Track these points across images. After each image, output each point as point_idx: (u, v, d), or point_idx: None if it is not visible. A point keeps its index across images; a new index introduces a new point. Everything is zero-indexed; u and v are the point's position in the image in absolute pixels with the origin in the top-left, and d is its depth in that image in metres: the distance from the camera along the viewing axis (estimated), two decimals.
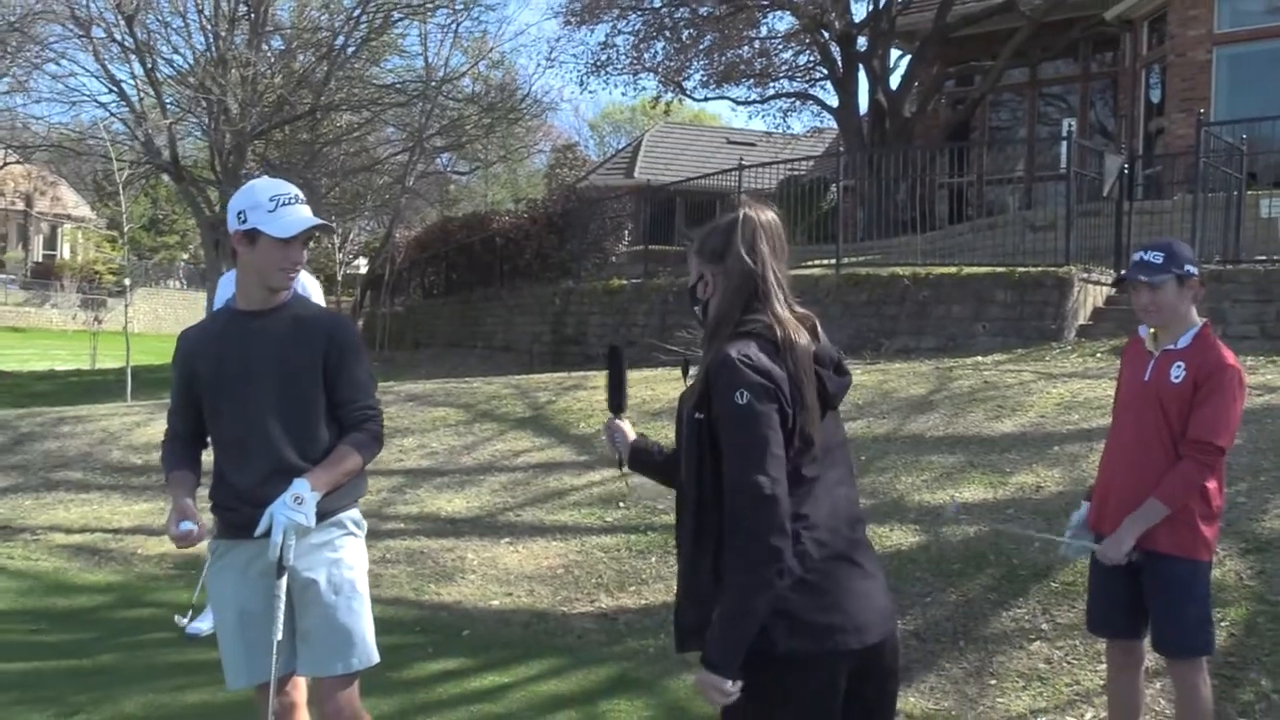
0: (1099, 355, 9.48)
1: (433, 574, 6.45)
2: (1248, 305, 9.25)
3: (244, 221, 3.18)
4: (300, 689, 3.44)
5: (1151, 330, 3.65)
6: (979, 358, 9.99)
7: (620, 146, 41.13)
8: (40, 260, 47.18)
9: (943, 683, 4.79)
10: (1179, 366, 3.52)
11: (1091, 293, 10.88)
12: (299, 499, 3.10)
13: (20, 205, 42.56)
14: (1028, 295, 10.64)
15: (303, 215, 3.23)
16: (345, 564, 3.30)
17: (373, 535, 7.05)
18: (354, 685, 3.34)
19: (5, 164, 30.26)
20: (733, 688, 2.25)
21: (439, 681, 5.03)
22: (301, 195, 3.33)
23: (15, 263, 46.31)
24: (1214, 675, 4.50)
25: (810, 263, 14.00)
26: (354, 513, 3.43)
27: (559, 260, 18.90)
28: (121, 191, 14.51)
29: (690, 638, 2.38)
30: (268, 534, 3.12)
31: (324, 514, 3.21)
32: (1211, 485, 3.53)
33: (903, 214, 15.38)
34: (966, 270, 11.49)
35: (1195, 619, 3.54)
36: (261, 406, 3.21)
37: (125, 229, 14.85)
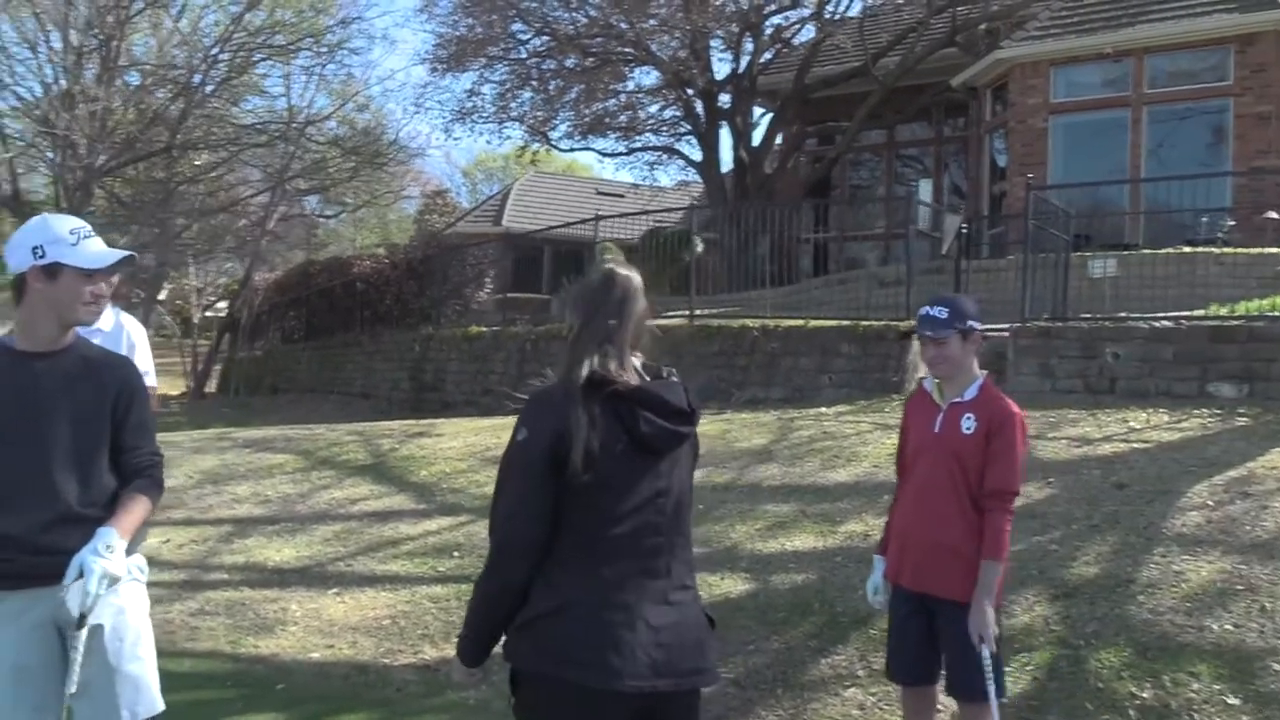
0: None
1: (252, 626, 6.23)
2: (1073, 361, 9.66)
3: (41, 256, 3.07)
4: None
5: (936, 382, 3.78)
6: (822, 409, 10.19)
7: (491, 194, 41.09)
8: None
9: None
10: (969, 418, 3.65)
11: None
12: (109, 547, 2.99)
13: None
14: (870, 348, 10.93)
15: (105, 248, 3.18)
16: (130, 610, 3.20)
17: (192, 586, 6.84)
18: None
19: None
20: (468, 675, 2.61)
21: None
22: (92, 230, 3.26)
23: None
24: (1014, 719, 4.64)
25: (668, 313, 14.15)
26: (138, 558, 3.33)
27: (420, 307, 18.74)
28: None
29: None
30: (56, 581, 2.98)
31: None
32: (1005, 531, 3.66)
33: (762, 267, 15.72)
34: (814, 323, 11.75)
35: (986, 664, 3.64)
36: (48, 451, 3.09)
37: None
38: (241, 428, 13.00)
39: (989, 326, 11.15)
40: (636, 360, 2.59)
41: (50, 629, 3.11)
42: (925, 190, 20.04)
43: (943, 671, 3.79)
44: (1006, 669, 4.95)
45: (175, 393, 26.98)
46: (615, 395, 2.45)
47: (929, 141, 21.46)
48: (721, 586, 6.22)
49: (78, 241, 3.11)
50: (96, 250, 3.13)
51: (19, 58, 18.43)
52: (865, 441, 8.48)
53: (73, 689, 3.02)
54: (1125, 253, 12.20)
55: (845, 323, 11.55)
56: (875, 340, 10.99)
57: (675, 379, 2.61)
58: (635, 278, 2.64)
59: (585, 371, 2.46)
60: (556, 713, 2.43)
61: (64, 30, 17.70)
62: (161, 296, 31.08)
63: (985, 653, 3.59)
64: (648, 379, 2.57)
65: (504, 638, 2.53)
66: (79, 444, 3.13)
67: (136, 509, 3.15)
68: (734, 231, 17.10)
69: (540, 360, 13.35)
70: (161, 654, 5.76)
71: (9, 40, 18.44)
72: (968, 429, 3.64)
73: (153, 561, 7.23)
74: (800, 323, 11.93)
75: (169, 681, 5.41)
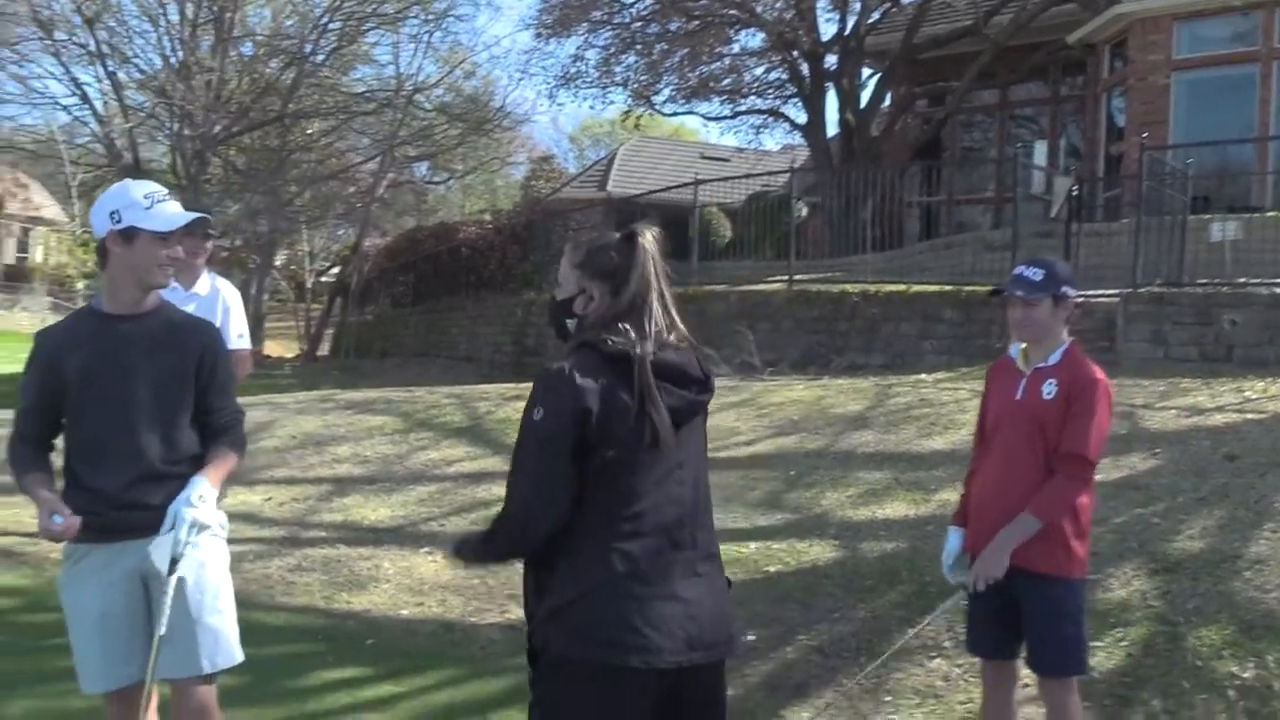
0: None
1: (346, 582, 6.37)
2: (1187, 328, 9.28)
3: (118, 220, 3.16)
4: (154, 696, 3.40)
5: (1022, 349, 3.65)
6: (922, 375, 9.99)
7: (597, 159, 41.16)
8: (11, 263, 46.85)
9: (839, 699, 4.75)
10: (1051, 383, 3.51)
11: None
12: (201, 497, 3.12)
13: None
14: (974, 314, 10.66)
15: (180, 211, 3.25)
16: (211, 564, 3.29)
17: (291, 542, 7.02)
18: (214, 686, 3.34)
19: None
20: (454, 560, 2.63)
21: (332, 690, 4.96)
22: (169, 193, 3.33)
23: None
24: (1107, 695, 4.50)
25: (768, 278, 14.02)
26: (219, 515, 3.43)
27: (523, 272, 18.89)
28: (75, 195, 14.43)
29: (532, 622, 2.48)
30: (140, 535, 3.13)
31: None
32: (1083, 501, 3.52)
33: (866, 232, 15.42)
34: (916, 288, 11.50)
35: (1068, 638, 3.52)
36: (132, 410, 3.19)
37: (77, 233, 14.74)
38: (348, 390, 13.30)
39: (1099, 292, 10.82)
40: (666, 323, 2.44)
41: (135, 580, 3.23)
42: (1040, 152, 19.39)
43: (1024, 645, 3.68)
44: (1100, 644, 4.80)
45: (289, 355, 27.77)
46: (632, 367, 2.34)
47: (1044, 101, 20.74)
48: (809, 554, 6.16)
49: (151, 205, 3.17)
50: (170, 213, 3.19)
51: (139, 31, 19.06)
52: (964, 409, 8.28)
53: (162, 630, 3.12)
54: (1250, 215, 11.64)
55: (948, 288, 11.29)
56: (979, 306, 10.71)
57: (686, 345, 2.48)
58: (654, 237, 2.48)
59: (605, 345, 2.35)
60: (593, 695, 2.34)
61: (180, 3, 18.21)
62: (277, 262, 31.96)
63: (1071, 628, 3.47)
64: (667, 348, 2.43)
65: (533, 625, 2.45)
66: (162, 404, 3.23)
67: (223, 463, 3.28)
68: (838, 195, 16.82)
69: None
70: (258, 607, 5.99)
71: (130, 15, 19.05)
72: (1048, 394, 3.50)
73: (255, 518, 7.48)
74: (902, 288, 11.70)
75: (264, 634, 5.61)
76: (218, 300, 5.46)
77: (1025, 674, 3.83)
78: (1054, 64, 19.54)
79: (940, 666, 4.86)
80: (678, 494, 2.42)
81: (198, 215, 3.37)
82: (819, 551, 6.18)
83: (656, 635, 2.33)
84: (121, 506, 3.16)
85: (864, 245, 14.95)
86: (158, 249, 3.17)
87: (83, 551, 3.23)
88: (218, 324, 5.42)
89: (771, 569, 6.04)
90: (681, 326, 2.48)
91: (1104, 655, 4.73)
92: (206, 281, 5.47)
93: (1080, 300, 3.71)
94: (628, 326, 2.38)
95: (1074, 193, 11.75)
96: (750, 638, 5.33)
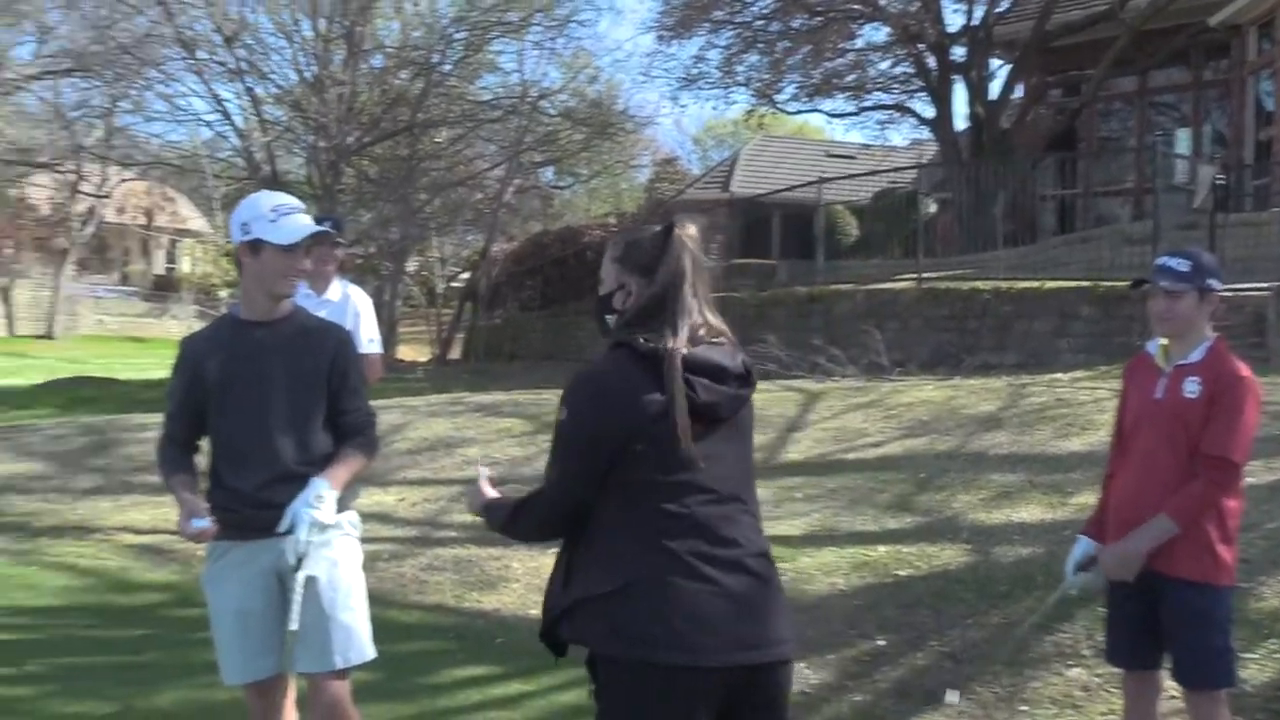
0: None
1: (476, 581, 6.49)
2: None
3: (247, 233, 3.28)
4: (291, 689, 3.51)
5: (1162, 345, 3.49)
6: (1058, 374, 9.68)
7: (720, 160, 41.09)
8: (161, 273, 49.17)
9: (973, 707, 4.62)
10: (1193, 381, 3.35)
11: None
12: (320, 498, 3.21)
13: (141, 220, 44.44)
14: (1112, 310, 10.29)
15: (304, 223, 3.33)
16: (343, 563, 3.38)
17: (423, 542, 7.18)
18: (347, 681, 3.43)
19: (123, 180, 31.60)
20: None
21: (462, 688, 5.06)
22: (301, 205, 3.43)
23: (137, 276, 48.34)
24: (1261, 709, 4.28)
25: (897, 276, 13.79)
26: (351, 514, 3.54)
27: None
28: (219, 207, 15.04)
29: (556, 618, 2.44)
30: (282, 532, 3.23)
31: None
32: (1231, 505, 3.35)
33: (998, 227, 15.03)
34: (1050, 285, 11.17)
35: (1215, 649, 3.36)
36: (267, 413, 3.31)
37: (221, 243, 15.36)
38: (478, 393, 13.54)
39: (1248, 285, 10.32)
40: (701, 320, 2.40)
41: (272, 577, 3.34)
42: (1183, 139, 18.62)
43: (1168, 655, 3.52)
44: (1253, 656, 4.58)
45: (422, 359, 28.44)
46: (669, 365, 2.31)
47: (1186, 86, 19.88)
48: (940, 558, 6.02)
49: (277, 218, 3.26)
50: (293, 226, 3.27)
51: (275, 48, 19.79)
52: (1103, 409, 7.98)
53: (294, 626, 3.23)
54: None
55: (1085, 283, 10.92)
56: (1118, 302, 10.34)
57: (724, 341, 2.43)
58: (692, 233, 2.45)
59: (637, 344, 2.33)
60: (642, 696, 2.29)
61: (314, 19, 18.83)
62: (409, 268, 32.77)
63: (1218, 638, 3.31)
64: (701, 344, 2.39)
65: (569, 616, 2.39)
66: (295, 407, 3.33)
67: (349, 464, 3.36)
68: (968, 190, 16.44)
69: (765, 326, 13.27)
70: (392, 605, 6.13)
71: (266, 32, 19.78)
72: (1191, 393, 3.34)
73: (388, 519, 7.67)
74: (1036, 284, 11.37)
75: (398, 632, 5.74)
76: (348, 306, 5.60)
77: (1171, 685, 3.68)
78: (1196, 47, 18.71)
79: (1079, 675, 4.69)
80: (719, 491, 2.38)
81: (319, 228, 3.45)
82: (951, 555, 6.04)
83: (698, 632, 2.27)
84: (257, 506, 3.27)
85: (995, 241, 14.58)
86: (283, 261, 3.27)
87: (224, 549, 3.36)
88: (349, 329, 5.58)
89: (902, 573, 5.93)
90: (716, 321, 2.44)
91: (1256, 668, 4.51)
92: (338, 288, 5.61)
93: (1227, 294, 3.53)
94: (660, 323, 2.36)
95: (1219, 181, 11.24)
96: (880, 643, 5.24)
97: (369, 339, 5.61)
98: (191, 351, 3.41)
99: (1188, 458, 3.33)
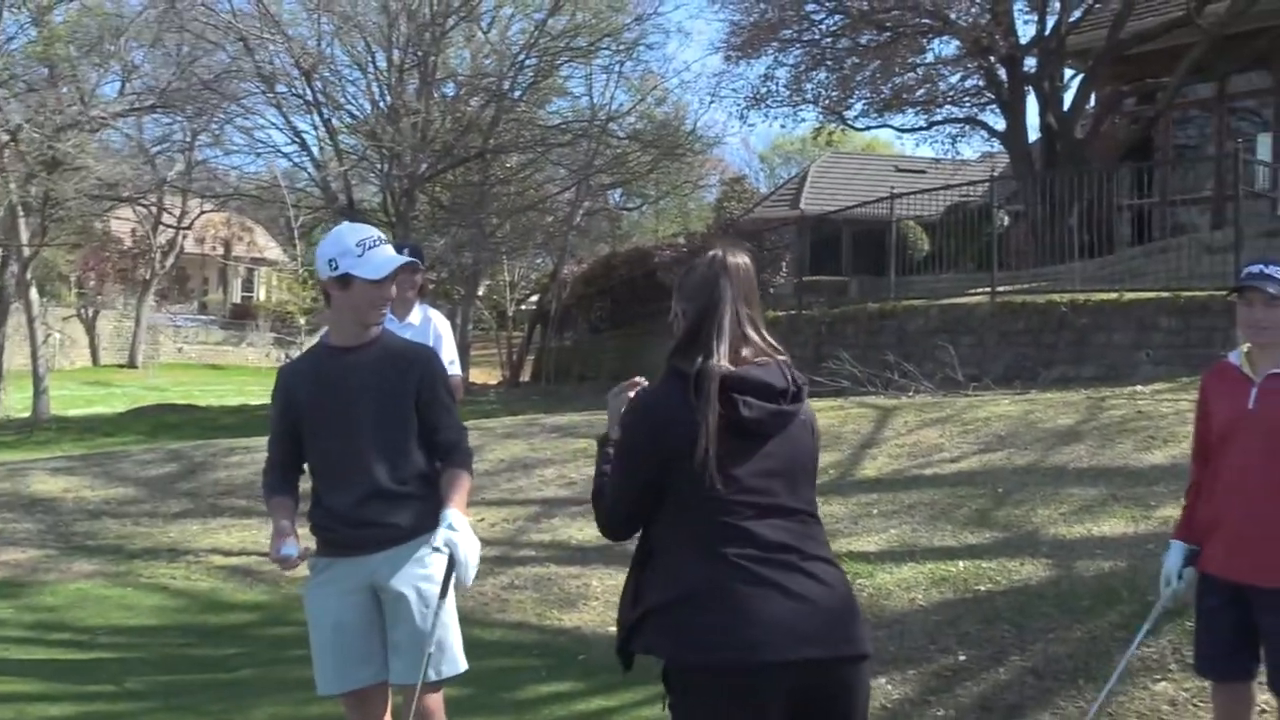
0: None
1: (557, 600, 6.57)
2: None
3: (335, 268, 3.40)
4: (387, 701, 3.61)
5: (1244, 353, 3.47)
6: (1138, 387, 9.54)
7: (789, 177, 41.04)
8: (238, 301, 50.34)
9: None
10: None
11: None
12: (452, 526, 3.28)
13: (220, 250, 45.57)
14: (1193, 321, 10.11)
15: (389, 255, 3.46)
16: (434, 579, 3.44)
17: (503, 562, 7.28)
18: (440, 693, 3.54)
19: (203, 212, 32.47)
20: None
21: (547, 703, 5.14)
22: (383, 236, 3.57)
23: (215, 304, 49.59)
24: None
25: (971, 290, 13.68)
26: (447, 532, 3.61)
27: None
28: (296, 236, 15.41)
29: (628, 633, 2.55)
30: (371, 550, 3.39)
31: (416, 531, 3.42)
32: None
33: (1073, 239, 14.83)
34: (1129, 296, 11.00)
35: None
36: (359, 434, 3.42)
37: (299, 271, 15.74)
38: (550, 414, 13.69)
39: None
40: (745, 339, 2.50)
41: (367, 593, 3.46)
42: (1264, 145, 18.21)
43: (1262, 667, 3.48)
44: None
45: (493, 382, 28.74)
46: (717, 381, 2.42)
47: (1267, 91, 19.42)
48: (1020, 573, 5.97)
49: (363, 253, 3.38)
50: (380, 259, 3.40)
51: (350, 79, 20.27)
52: (1184, 421, 7.83)
53: (431, 648, 3.34)
54: None
55: (1164, 294, 10.75)
56: (1198, 312, 10.16)
57: (774, 359, 2.52)
58: (736, 259, 2.56)
59: (683, 365, 2.46)
60: (710, 701, 2.37)
61: (388, 50, 19.24)
62: (480, 292, 33.17)
63: None
64: (746, 363, 2.49)
65: (638, 630, 2.50)
66: (386, 426, 3.44)
67: (461, 485, 3.45)
68: (1041, 202, 16.23)
69: (836, 342, 13.25)
70: (476, 623, 6.24)
71: (342, 64, 20.25)
72: None
73: None
74: (1114, 296, 11.21)
75: (482, 649, 5.83)
76: (429, 330, 5.75)
77: (1263, 699, 3.63)
78: (1276, 51, 18.32)
79: (1166, 690, 4.64)
80: (768, 504, 2.45)
81: (406, 259, 3.57)
82: (1031, 570, 5.99)
83: (758, 631, 2.35)
84: (354, 524, 3.40)
85: (1071, 253, 14.37)
86: (372, 292, 3.40)
87: (324, 564, 3.50)
88: None
89: (982, 588, 5.89)
90: (761, 342, 2.53)
91: None
92: (418, 313, 5.77)
93: None
94: (706, 346, 2.47)
95: None
96: (961, 658, 5.22)
97: (449, 360, 5.75)
98: (286, 379, 3.57)
99: None
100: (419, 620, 3.41)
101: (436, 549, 3.25)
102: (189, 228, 37.13)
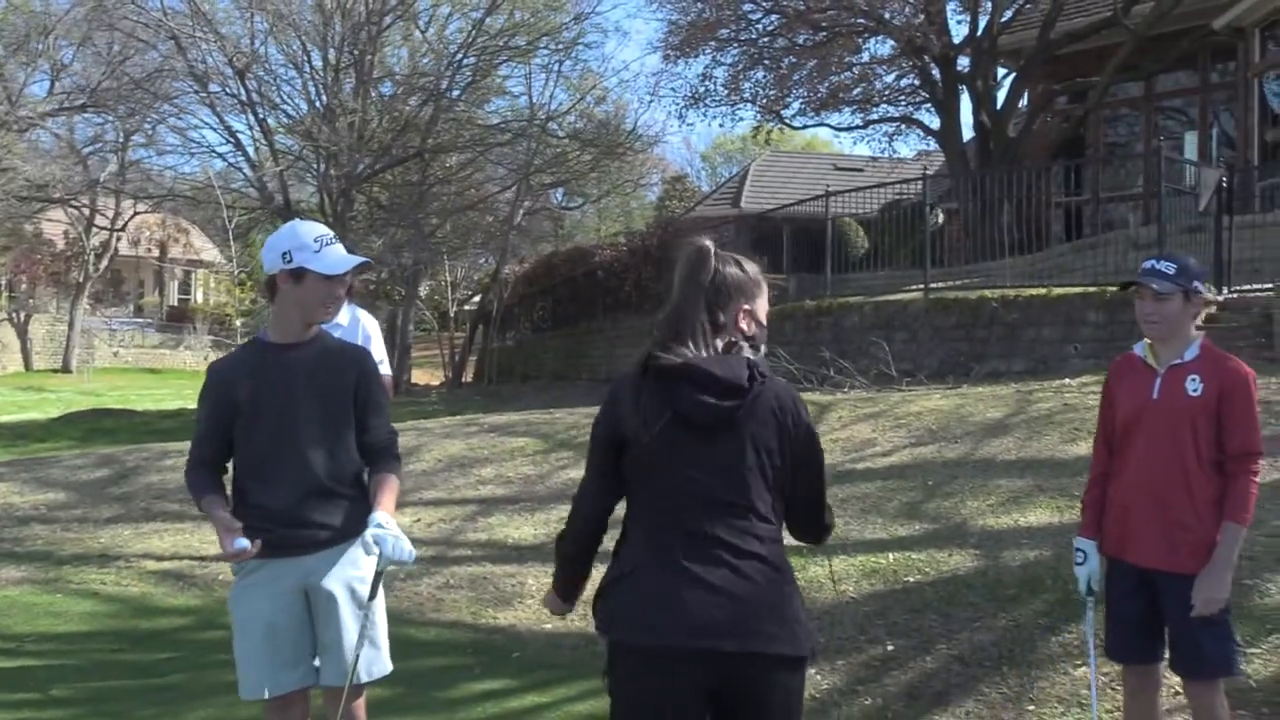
0: None
1: (492, 599, 6.58)
2: None
3: (290, 261, 3.38)
4: (308, 705, 3.60)
5: (1149, 345, 3.60)
6: (1065, 380, 9.73)
7: (730, 176, 41.27)
8: (175, 304, 49.56)
9: (980, 708, 4.70)
10: (1194, 379, 3.47)
11: None
12: (380, 525, 3.27)
13: (155, 252, 44.82)
14: (1119, 315, 10.34)
15: (345, 254, 3.46)
16: (366, 579, 3.45)
17: (439, 561, 7.27)
18: (363, 695, 3.55)
19: (136, 213, 31.95)
20: (558, 608, 2.90)
21: (479, 701, 5.14)
22: (335, 235, 3.56)
23: (151, 307, 48.78)
24: (1264, 704, 4.34)
25: (906, 287, 13.85)
26: (374, 531, 3.62)
27: (658, 291, 19.05)
28: (232, 237, 15.23)
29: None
30: (307, 551, 3.38)
31: (349, 533, 3.41)
32: None
33: (1006, 236, 15.08)
34: (1057, 291, 11.22)
35: (1215, 638, 3.44)
36: (299, 432, 3.40)
37: (235, 273, 15.57)
38: (491, 414, 13.66)
39: (1254, 286, 10.37)
40: (695, 331, 2.56)
41: (299, 594, 3.43)
42: (1190, 143, 18.60)
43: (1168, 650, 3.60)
44: (1257, 650, 4.64)
45: (435, 382, 28.59)
46: (662, 372, 2.51)
47: (1192, 91, 19.90)
48: (949, 563, 6.09)
49: (320, 249, 3.39)
50: (337, 257, 3.40)
51: (285, 78, 20.05)
52: None
53: (361, 649, 3.40)
54: None
55: (1092, 289, 10.98)
56: (1124, 307, 10.36)
57: (746, 355, 2.57)
58: (703, 247, 2.64)
59: (647, 356, 2.56)
60: (623, 675, 2.51)
61: (323, 49, 19.07)
62: (423, 292, 32.96)
63: (1220, 628, 3.39)
64: (716, 354, 2.55)
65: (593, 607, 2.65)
66: (326, 424, 3.43)
67: (390, 486, 3.44)
68: (974, 200, 16.49)
69: (775, 340, 13.28)
70: (410, 623, 6.23)
71: (276, 64, 20.03)
72: (1194, 391, 3.45)
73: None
74: (1043, 291, 11.43)
75: (416, 649, 5.84)
76: (359, 330, 5.72)
77: (1174, 680, 3.74)
78: (1201, 51, 18.73)
79: (1086, 674, 4.74)
80: (702, 496, 2.52)
81: (362, 259, 3.56)
82: (959, 560, 6.10)
83: (668, 615, 2.44)
84: (291, 524, 3.36)
85: (1003, 249, 14.62)
86: (324, 289, 3.39)
87: (254, 565, 3.41)
88: None
89: (910, 579, 5.99)
90: (735, 335, 2.59)
91: (1261, 663, 4.57)
92: (347, 313, 5.73)
93: (1222, 298, 3.65)
94: (670, 334, 2.57)
95: (1224, 184, 11.29)
96: (889, 648, 5.31)
97: (380, 360, 5.73)
98: (220, 375, 3.50)
99: (1191, 451, 3.43)
100: (352, 621, 3.41)
101: (365, 543, 3.25)
102: (123, 229, 36.48)
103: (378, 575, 3.35)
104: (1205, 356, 3.50)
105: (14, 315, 39.83)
